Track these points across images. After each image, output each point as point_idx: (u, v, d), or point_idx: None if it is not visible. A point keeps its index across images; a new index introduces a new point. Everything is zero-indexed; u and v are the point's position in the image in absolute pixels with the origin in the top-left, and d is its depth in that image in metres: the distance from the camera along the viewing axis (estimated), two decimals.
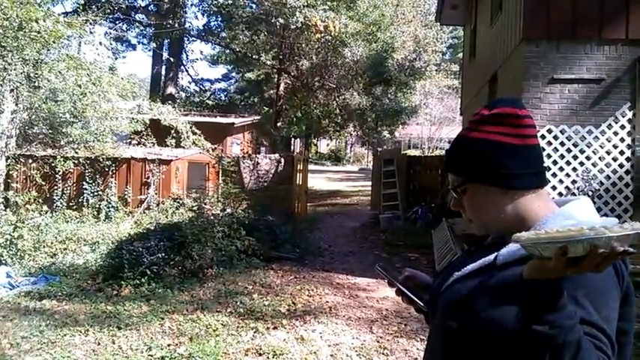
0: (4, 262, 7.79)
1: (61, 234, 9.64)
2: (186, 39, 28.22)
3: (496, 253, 1.20)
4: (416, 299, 1.44)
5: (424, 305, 1.42)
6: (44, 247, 8.81)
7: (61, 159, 12.33)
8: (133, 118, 14.30)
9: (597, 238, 0.90)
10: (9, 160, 11.78)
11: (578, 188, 6.89)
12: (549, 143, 6.91)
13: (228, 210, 10.23)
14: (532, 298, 1.00)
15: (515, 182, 1.23)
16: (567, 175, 6.93)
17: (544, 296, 0.98)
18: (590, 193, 6.80)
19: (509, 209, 1.25)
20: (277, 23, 19.62)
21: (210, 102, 32.06)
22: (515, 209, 1.25)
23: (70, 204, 12.65)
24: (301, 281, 7.59)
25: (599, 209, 6.64)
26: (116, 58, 25.30)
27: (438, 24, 19.76)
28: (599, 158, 6.91)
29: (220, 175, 14.21)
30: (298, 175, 14.22)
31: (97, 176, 12.92)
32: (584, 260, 0.92)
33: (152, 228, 8.99)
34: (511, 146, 1.23)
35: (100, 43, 13.46)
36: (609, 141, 6.90)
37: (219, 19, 25.80)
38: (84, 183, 12.80)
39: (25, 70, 10.08)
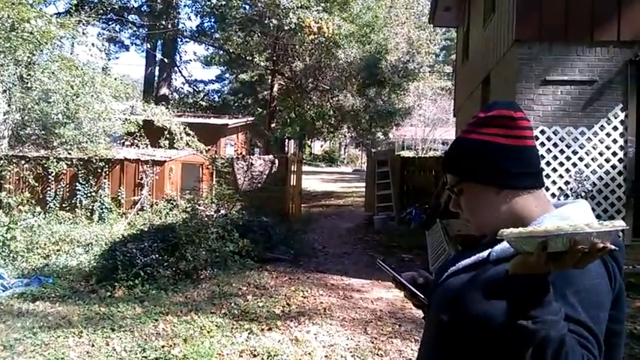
0: None
1: (54, 235, 9.59)
2: (179, 40, 28.20)
3: (490, 250, 1.21)
4: (417, 292, 1.46)
5: (424, 298, 1.44)
6: (37, 248, 8.77)
7: (54, 160, 12.28)
8: (126, 119, 14.27)
9: (576, 233, 0.91)
10: (1, 162, 11.73)
11: (571, 189, 6.93)
12: (542, 144, 6.94)
13: (222, 211, 10.22)
14: (516, 293, 1.01)
15: (509, 182, 1.25)
16: (560, 176, 6.97)
17: (528, 291, 0.99)
18: (583, 194, 6.84)
19: (504, 209, 1.26)
20: (271, 24, 19.64)
21: (203, 103, 32.00)
22: (509, 209, 1.26)
23: (63, 205, 12.59)
24: (295, 282, 7.59)
25: (592, 210, 6.66)
26: (109, 59, 25.30)
27: (431, 26, 19.85)
28: (592, 159, 6.95)
29: (214, 176, 14.20)
30: (292, 176, 14.22)
31: (90, 177, 12.86)
32: (565, 256, 0.93)
33: (146, 229, 8.96)
34: (505, 147, 1.25)
35: (93, 44, 13.45)
36: (602, 142, 6.94)
37: (213, 20, 25.78)
38: (77, 184, 12.74)
39: (17, 71, 10.05)
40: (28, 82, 10.75)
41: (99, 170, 12.87)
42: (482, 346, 1.12)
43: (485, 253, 1.23)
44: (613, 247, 0.93)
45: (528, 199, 1.26)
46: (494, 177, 1.25)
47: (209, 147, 16.68)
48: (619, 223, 0.94)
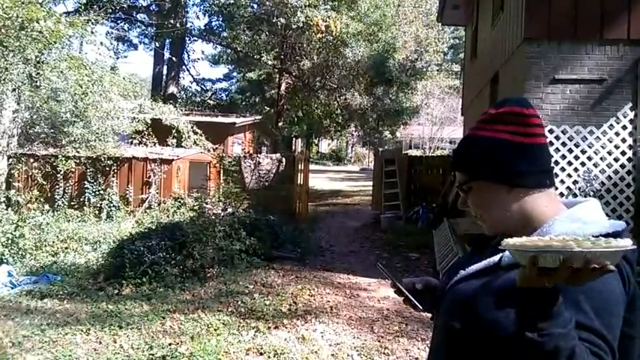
0: (5, 261, 7.80)
1: (63, 233, 9.64)
2: (187, 39, 28.22)
3: (501, 254, 1.19)
4: (414, 300, 1.44)
5: (421, 307, 1.42)
6: (45, 246, 8.82)
7: (63, 158, 12.34)
8: (134, 118, 14.32)
9: (564, 252, 0.89)
10: (11, 160, 11.80)
11: (579, 189, 6.88)
12: (551, 143, 6.89)
13: (230, 209, 10.23)
14: (524, 304, 0.99)
15: (520, 180, 1.23)
16: (569, 175, 6.92)
17: (535, 303, 0.97)
18: (592, 194, 6.80)
19: (515, 208, 1.24)
20: (279, 23, 19.62)
21: (211, 102, 32.05)
22: (520, 208, 1.24)
23: (72, 203, 12.65)
24: (302, 281, 7.59)
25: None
26: (117, 58, 25.50)
27: (440, 24, 19.77)
28: (601, 158, 6.90)
29: (221, 174, 14.22)
30: (299, 174, 14.21)
31: (99, 175, 12.92)
32: (556, 272, 0.91)
33: (153, 227, 8.99)
34: (516, 144, 1.23)
35: (102, 43, 13.50)
36: (611, 141, 6.89)
37: (221, 18, 25.77)
38: (85, 182, 12.80)
39: (26, 69, 10.10)
40: (37, 81, 10.81)
41: (107, 169, 12.92)
42: (492, 354, 1.10)
43: (496, 258, 1.21)
44: (612, 267, 0.90)
45: (539, 198, 1.24)
46: (504, 175, 1.23)
47: (216, 145, 16.70)
48: (616, 243, 0.91)
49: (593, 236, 1.00)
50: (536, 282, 0.94)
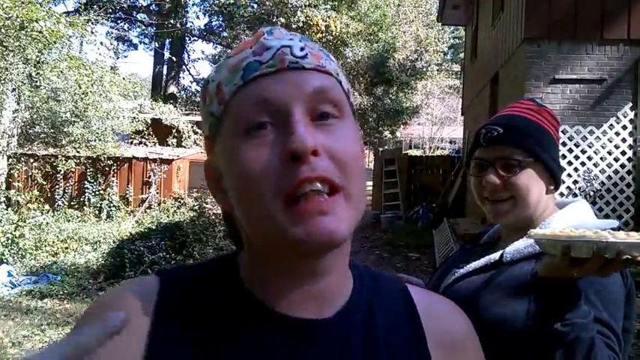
0: (5, 260, 7.80)
1: (63, 233, 9.64)
2: (187, 39, 28.23)
3: (501, 251, 1.20)
4: None
5: None
6: (45, 246, 8.81)
7: (63, 158, 12.34)
8: (134, 118, 14.31)
9: (599, 242, 0.89)
10: (10, 159, 11.80)
11: (579, 188, 6.88)
12: None
13: None
14: (548, 296, 1.00)
15: (559, 176, 1.29)
16: (569, 175, 6.92)
17: (562, 294, 0.98)
18: (592, 194, 6.80)
19: (545, 198, 1.28)
20: (279, 23, 19.60)
21: None
22: (547, 200, 1.29)
23: (72, 203, 12.66)
24: None
25: (600, 209, 6.64)
26: (117, 58, 25.45)
27: (440, 24, 19.79)
28: (601, 158, 6.90)
29: None
30: None
31: (99, 175, 12.93)
32: (588, 262, 0.91)
33: (153, 227, 8.98)
34: (557, 142, 1.30)
35: (102, 43, 13.49)
36: (611, 141, 6.89)
37: (221, 18, 25.80)
38: (85, 182, 12.81)
39: (26, 69, 10.09)
40: (37, 81, 10.80)
41: (107, 169, 12.93)
42: (502, 348, 1.10)
43: (496, 255, 1.22)
44: None
45: (552, 198, 1.30)
46: (555, 166, 1.28)
47: None
48: None
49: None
50: (565, 272, 0.95)
